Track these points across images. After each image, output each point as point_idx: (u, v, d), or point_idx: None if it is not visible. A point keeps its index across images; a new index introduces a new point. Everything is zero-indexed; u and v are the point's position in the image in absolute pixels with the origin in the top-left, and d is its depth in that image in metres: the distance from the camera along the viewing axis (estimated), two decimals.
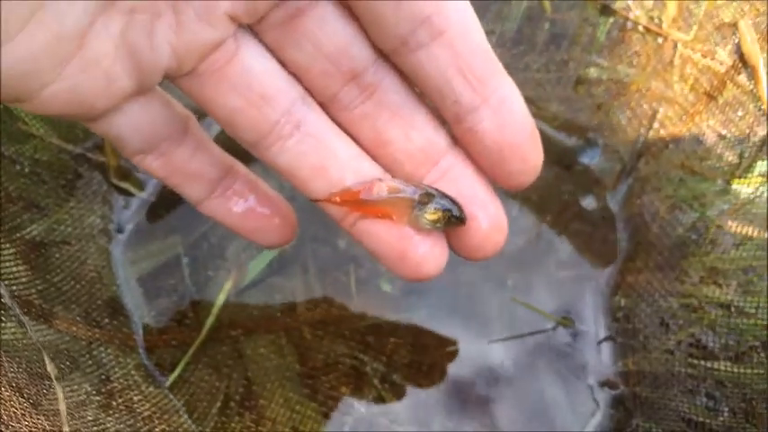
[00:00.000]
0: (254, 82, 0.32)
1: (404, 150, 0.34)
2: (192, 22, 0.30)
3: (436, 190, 0.33)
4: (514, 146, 0.33)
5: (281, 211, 0.38)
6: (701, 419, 0.44)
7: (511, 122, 0.32)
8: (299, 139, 0.34)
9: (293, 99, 0.33)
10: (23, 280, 0.41)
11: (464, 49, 0.31)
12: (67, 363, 0.40)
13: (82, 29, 0.29)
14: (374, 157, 0.34)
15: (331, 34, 0.32)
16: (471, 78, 0.32)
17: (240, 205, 0.38)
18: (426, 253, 0.34)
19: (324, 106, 0.34)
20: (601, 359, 0.51)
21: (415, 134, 0.34)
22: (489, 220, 0.34)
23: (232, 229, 0.38)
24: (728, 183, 0.52)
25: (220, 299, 0.51)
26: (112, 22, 0.29)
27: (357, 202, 0.33)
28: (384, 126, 0.34)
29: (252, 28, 0.32)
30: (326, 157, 0.34)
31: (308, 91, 0.33)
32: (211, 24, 0.30)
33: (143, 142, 0.34)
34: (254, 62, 0.32)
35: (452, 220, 0.33)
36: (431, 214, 0.33)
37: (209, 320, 0.50)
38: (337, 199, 0.33)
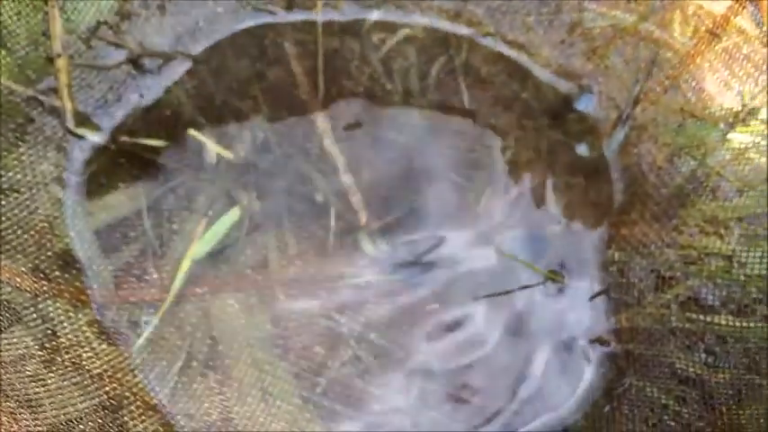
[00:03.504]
0: None
1: None
2: None
3: None
4: None
5: None
6: (699, 377, 0.41)
7: None
8: None
9: None
10: None
11: None
12: (8, 315, 0.37)
13: None
14: None
15: None
16: None
17: None
18: None
19: None
20: (592, 315, 0.47)
21: None
22: None
23: None
24: (730, 128, 0.48)
25: (188, 256, 0.47)
26: None
27: None
28: None
29: None
30: None
31: None
32: None
33: None
34: None
35: None
36: None
37: (179, 277, 0.46)
38: None
